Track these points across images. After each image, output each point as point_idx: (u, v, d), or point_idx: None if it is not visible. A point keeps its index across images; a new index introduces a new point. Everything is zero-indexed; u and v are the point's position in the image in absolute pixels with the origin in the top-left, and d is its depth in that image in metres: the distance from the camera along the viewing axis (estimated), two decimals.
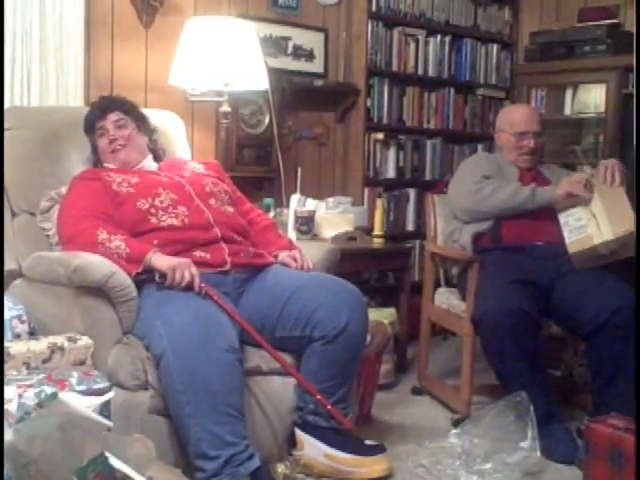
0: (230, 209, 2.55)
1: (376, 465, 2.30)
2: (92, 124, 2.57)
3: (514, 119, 3.10)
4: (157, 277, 2.18)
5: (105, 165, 2.57)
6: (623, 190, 2.74)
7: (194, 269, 2.18)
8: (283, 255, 2.52)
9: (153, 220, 2.35)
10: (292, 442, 2.31)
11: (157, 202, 2.39)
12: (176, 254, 2.25)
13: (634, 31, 4.01)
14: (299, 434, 2.30)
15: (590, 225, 2.73)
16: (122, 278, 2.12)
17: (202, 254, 2.32)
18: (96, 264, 2.10)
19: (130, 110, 2.61)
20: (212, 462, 1.97)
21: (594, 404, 2.66)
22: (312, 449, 2.28)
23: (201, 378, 1.97)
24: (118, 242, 2.19)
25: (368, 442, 2.35)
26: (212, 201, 2.50)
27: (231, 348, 2.03)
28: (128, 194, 2.38)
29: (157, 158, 2.67)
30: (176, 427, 2.05)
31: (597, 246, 2.69)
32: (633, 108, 3.83)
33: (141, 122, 2.63)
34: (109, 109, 2.56)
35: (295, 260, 2.50)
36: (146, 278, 2.19)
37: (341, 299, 2.29)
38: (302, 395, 2.30)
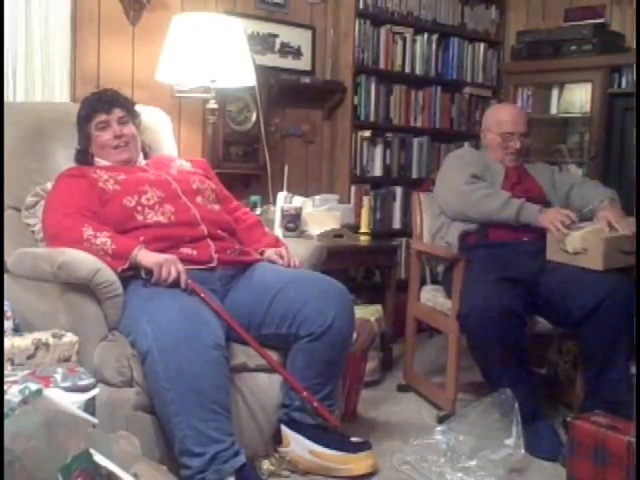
0: (216, 207, 2.55)
1: (361, 462, 2.30)
2: (92, 114, 2.52)
3: (501, 119, 3.10)
4: (143, 273, 2.17)
5: (97, 160, 2.55)
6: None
7: (180, 266, 2.18)
8: (270, 252, 2.52)
9: (139, 218, 2.34)
10: (278, 439, 2.32)
11: (144, 200, 2.38)
12: (162, 251, 2.25)
13: (635, 30, 4.02)
14: (285, 431, 2.31)
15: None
16: (108, 274, 2.11)
17: (188, 251, 2.32)
18: (81, 260, 2.09)
19: (131, 108, 2.59)
20: (197, 459, 1.97)
21: (587, 394, 2.68)
22: (298, 446, 2.29)
23: (187, 375, 1.96)
24: (104, 239, 2.18)
25: (353, 439, 2.36)
26: (199, 199, 2.49)
27: (217, 345, 2.03)
28: (114, 191, 2.37)
29: (144, 155, 2.66)
30: (162, 424, 2.05)
31: (567, 236, 2.70)
32: (634, 109, 3.83)
33: (138, 121, 2.62)
34: (115, 104, 2.53)
35: (282, 257, 2.50)
36: (132, 275, 2.19)
37: (328, 297, 2.30)
38: (288, 392, 2.31)
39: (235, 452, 2.01)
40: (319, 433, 2.29)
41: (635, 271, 2.62)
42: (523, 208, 2.82)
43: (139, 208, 2.36)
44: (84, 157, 2.57)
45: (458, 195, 2.94)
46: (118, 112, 2.53)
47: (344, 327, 2.31)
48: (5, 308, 2.13)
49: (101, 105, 2.52)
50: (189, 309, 2.07)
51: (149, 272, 2.16)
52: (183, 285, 2.15)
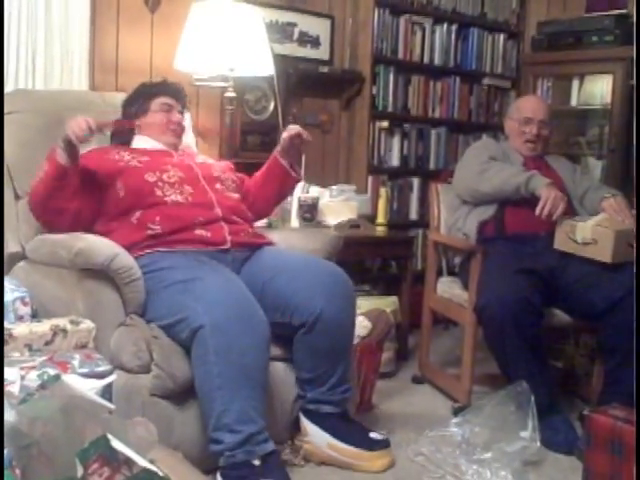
0: (235, 195, 2.57)
1: (377, 460, 2.29)
2: (161, 93, 2.61)
3: (522, 106, 3.16)
4: (63, 146, 2.20)
5: (137, 138, 2.59)
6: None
7: (83, 117, 2.20)
8: (284, 136, 2.54)
9: (158, 193, 2.37)
10: (297, 428, 2.32)
11: (165, 177, 2.42)
12: (176, 231, 2.29)
13: (634, 21, 3.99)
14: (303, 421, 2.31)
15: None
16: (125, 260, 2.12)
17: (202, 232, 2.34)
18: (98, 247, 2.10)
19: (185, 106, 2.74)
20: (233, 435, 1.98)
21: (604, 387, 2.66)
22: (316, 437, 2.29)
23: (237, 350, 1.98)
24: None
25: (372, 435, 2.33)
26: (218, 185, 2.53)
27: (264, 323, 2.07)
28: (136, 167, 2.42)
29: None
30: (199, 398, 2.05)
31: (576, 226, 2.69)
32: (633, 101, 3.81)
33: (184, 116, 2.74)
34: (179, 97, 2.66)
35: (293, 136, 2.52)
36: (150, 271, 2.19)
37: (316, 286, 2.25)
38: (300, 384, 2.31)
39: (266, 438, 2.02)
40: (337, 424, 2.28)
41: (635, 270, 2.59)
42: (534, 175, 2.80)
43: (159, 184, 2.39)
44: (123, 125, 2.61)
45: (473, 175, 2.95)
46: (179, 106, 2.65)
47: (334, 315, 2.23)
48: (23, 294, 2.15)
49: (171, 91, 2.64)
50: (235, 288, 2.11)
51: (67, 140, 2.19)
52: (95, 126, 2.19)
